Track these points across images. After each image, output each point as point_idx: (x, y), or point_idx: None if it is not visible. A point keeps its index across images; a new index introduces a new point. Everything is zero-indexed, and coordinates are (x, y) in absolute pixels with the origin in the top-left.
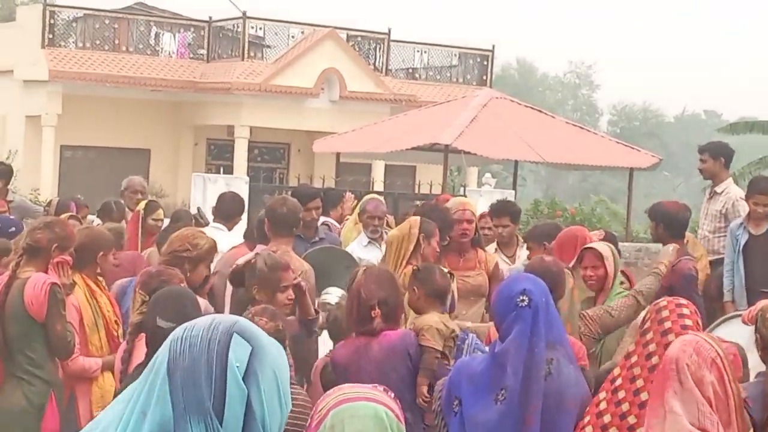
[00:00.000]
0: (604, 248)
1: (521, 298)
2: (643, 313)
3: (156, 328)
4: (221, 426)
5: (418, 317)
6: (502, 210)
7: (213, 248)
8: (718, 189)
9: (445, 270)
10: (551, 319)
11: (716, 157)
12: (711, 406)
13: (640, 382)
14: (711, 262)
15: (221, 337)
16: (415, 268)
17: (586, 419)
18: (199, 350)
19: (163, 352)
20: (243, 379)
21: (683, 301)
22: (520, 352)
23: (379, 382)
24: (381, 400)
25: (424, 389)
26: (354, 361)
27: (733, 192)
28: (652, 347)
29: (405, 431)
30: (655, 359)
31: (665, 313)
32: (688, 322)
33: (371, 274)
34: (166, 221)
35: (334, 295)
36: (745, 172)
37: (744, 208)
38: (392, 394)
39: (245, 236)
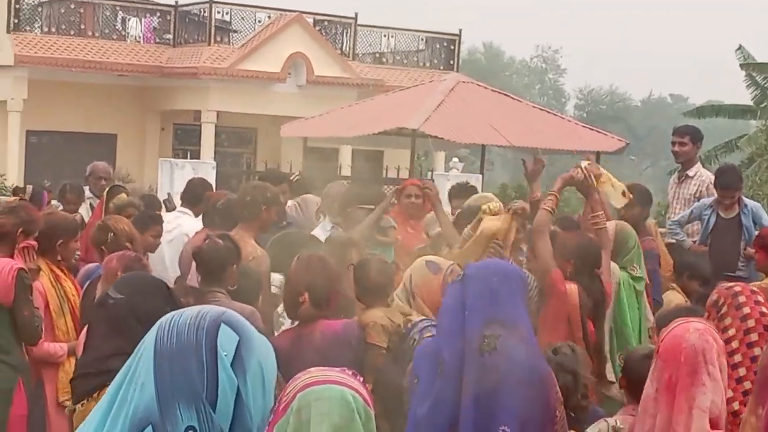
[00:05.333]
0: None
1: (458, 272)
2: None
3: (105, 297)
4: (214, 413)
5: (365, 311)
6: None
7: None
8: (690, 173)
9: (389, 261)
10: (499, 298)
11: (696, 142)
12: (726, 392)
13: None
14: (669, 245)
15: (209, 326)
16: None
17: None
18: (187, 337)
19: (148, 339)
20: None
21: (754, 287)
22: (452, 325)
23: None
24: (348, 383)
25: (368, 388)
26: (296, 348)
27: (705, 175)
28: (731, 332)
29: (372, 415)
30: (735, 344)
31: (742, 299)
32: (765, 309)
33: (302, 261)
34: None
35: (276, 282)
36: (711, 156)
37: None
38: (361, 378)
39: (204, 222)
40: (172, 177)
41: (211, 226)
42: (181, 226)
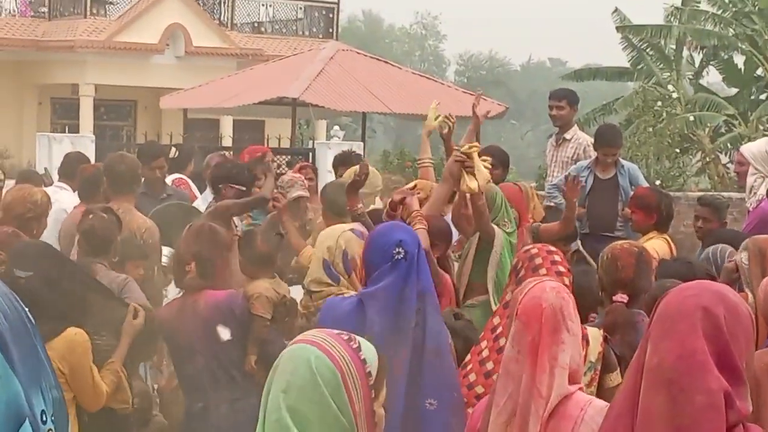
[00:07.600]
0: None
1: (397, 250)
2: (514, 261)
3: (14, 279)
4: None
5: (250, 282)
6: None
7: (48, 198)
8: (567, 135)
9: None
10: (421, 268)
11: (572, 105)
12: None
13: None
14: (547, 209)
15: (7, 290)
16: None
17: (469, 367)
18: (12, 312)
19: None
20: None
21: (552, 247)
22: (390, 302)
23: (205, 341)
24: (321, 344)
25: (252, 359)
26: (180, 318)
27: (583, 138)
28: None
29: (339, 376)
30: None
31: (538, 260)
32: (562, 268)
33: (191, 230)
34: (10, 182)
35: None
36: (590, 118)
37: (594, 154)
38: (355, 343)
39: (79, 195)
40: (51, 152)
41: (86, 199)
42: (59, 201)
